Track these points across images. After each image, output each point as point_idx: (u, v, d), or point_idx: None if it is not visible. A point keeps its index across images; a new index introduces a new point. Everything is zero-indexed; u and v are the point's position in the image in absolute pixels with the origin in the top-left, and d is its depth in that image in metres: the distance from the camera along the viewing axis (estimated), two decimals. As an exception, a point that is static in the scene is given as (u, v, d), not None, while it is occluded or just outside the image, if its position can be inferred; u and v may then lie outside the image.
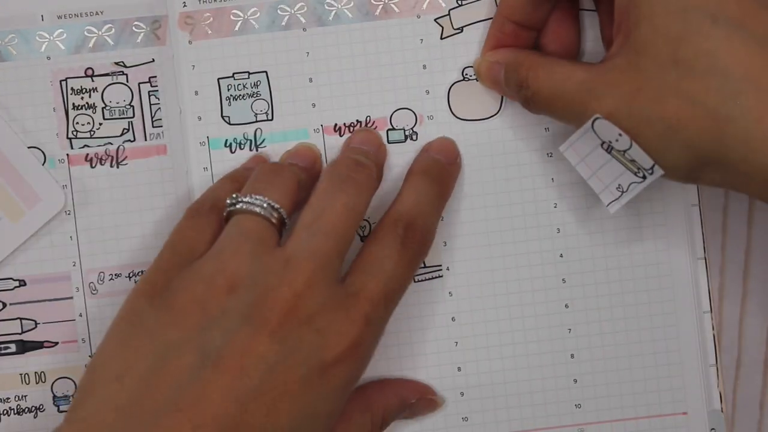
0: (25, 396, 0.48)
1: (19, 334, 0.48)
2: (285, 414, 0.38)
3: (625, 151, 0.41)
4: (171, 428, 0.37)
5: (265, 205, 0.42)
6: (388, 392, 0.47)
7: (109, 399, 0.38)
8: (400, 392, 0.47)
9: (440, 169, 0.47)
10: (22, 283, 0.48)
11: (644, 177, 0.41)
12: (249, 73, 0.48)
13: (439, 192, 0.46)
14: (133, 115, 0.48)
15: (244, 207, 0.42)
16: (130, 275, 0.48)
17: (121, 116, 0.48)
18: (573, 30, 0.47)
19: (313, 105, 0.48)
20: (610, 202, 0.43)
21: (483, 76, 0.47)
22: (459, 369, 0.48)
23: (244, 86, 0.48)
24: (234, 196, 0.43)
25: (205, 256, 0.41)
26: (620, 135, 0.40)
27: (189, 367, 0.38)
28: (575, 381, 0.48)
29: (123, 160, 0.48)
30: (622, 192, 0.43)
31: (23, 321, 0.48)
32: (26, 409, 0.48)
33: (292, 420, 0.38)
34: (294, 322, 0.39)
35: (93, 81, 0.48)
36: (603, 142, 0.42)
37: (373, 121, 0.48)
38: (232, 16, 0.48)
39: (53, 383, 0.48)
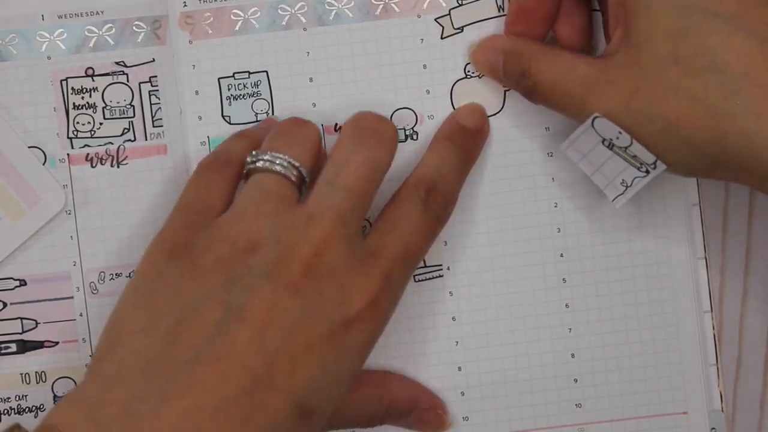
0: (26, 396, 0.48)
1: (20, 333, 0.48)
2: (309, 369, 0.38)
3: (626, 148, 0.41)
4: (200, 379, 0.37)
5: (285, 163, 0.42)
6: (404, 385, 0.47)
7: (137, 351, 0.38)
8: (416, 392, 0.47)
9: (465, 135, 0.46)
10: (23, 282, 0.48)
11: (647, 172, 0.41)
12: (249, 73, 0.48)
13: (463, 159, 0.46)
14: (134, 115, 0.48)
15: (264, 165, 0.42)
16: (131, 275, 0.48)
17: (122, 116, 0.48)
18: (584, 20, 0.46)
19: (314, 105, 0.48)
20: (616, 197, 0.43)
21: (480, 63, 0.47)
22: (459, 369, 0.48)
23: (244, 86, 0.48)
24: (254, 153, 0.43)
25: (227, 215, 0.41)
26: (620, 133, 0.40)
27: (214, 321, 0.38)
28: (575, 381, 0.48)
29: (123, 159, 0.48)
30: (627, 187, 0.42)
31: (24, 321, 0.48)
32: (27, 409, 0.48)
33: (316, 375, 0.38)
34: (315, 277, 0.39)
35: (93, 81, 0.48)
36: (604, 140, 0.42)
37: (374, 121, 0.48)
38: (232, 16, 0.48)
39: (54, 383, 0.48)
